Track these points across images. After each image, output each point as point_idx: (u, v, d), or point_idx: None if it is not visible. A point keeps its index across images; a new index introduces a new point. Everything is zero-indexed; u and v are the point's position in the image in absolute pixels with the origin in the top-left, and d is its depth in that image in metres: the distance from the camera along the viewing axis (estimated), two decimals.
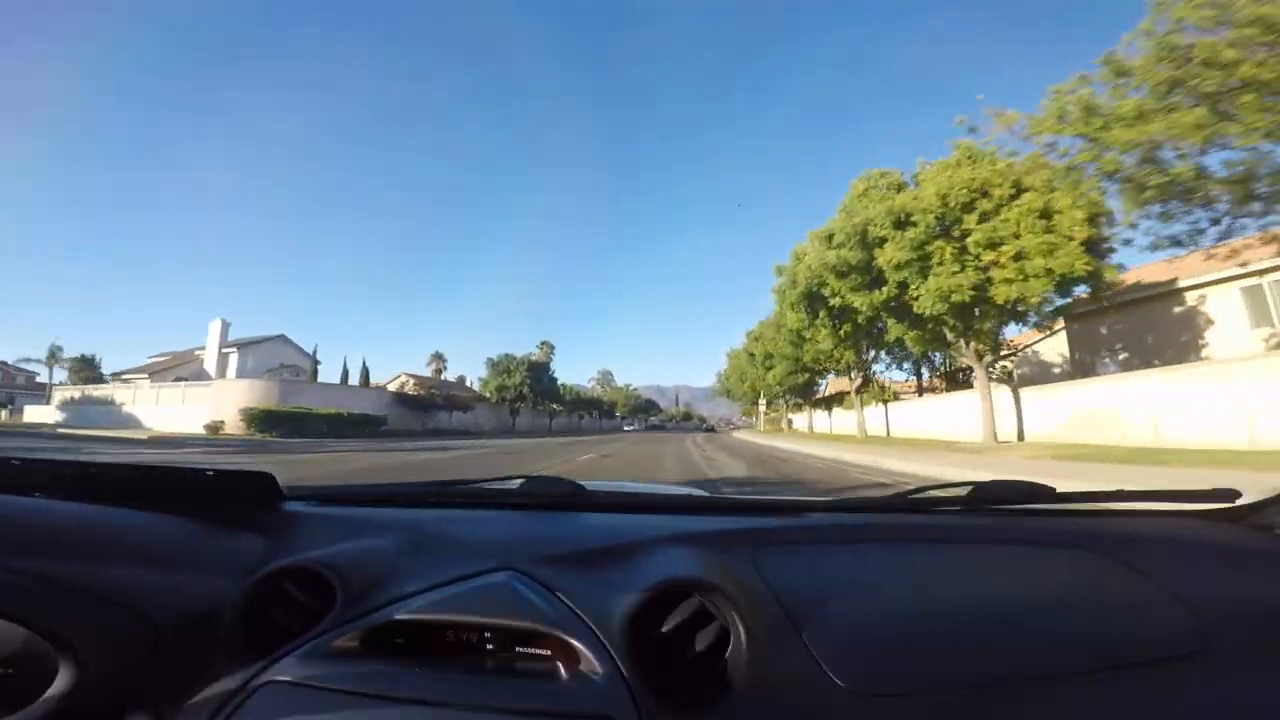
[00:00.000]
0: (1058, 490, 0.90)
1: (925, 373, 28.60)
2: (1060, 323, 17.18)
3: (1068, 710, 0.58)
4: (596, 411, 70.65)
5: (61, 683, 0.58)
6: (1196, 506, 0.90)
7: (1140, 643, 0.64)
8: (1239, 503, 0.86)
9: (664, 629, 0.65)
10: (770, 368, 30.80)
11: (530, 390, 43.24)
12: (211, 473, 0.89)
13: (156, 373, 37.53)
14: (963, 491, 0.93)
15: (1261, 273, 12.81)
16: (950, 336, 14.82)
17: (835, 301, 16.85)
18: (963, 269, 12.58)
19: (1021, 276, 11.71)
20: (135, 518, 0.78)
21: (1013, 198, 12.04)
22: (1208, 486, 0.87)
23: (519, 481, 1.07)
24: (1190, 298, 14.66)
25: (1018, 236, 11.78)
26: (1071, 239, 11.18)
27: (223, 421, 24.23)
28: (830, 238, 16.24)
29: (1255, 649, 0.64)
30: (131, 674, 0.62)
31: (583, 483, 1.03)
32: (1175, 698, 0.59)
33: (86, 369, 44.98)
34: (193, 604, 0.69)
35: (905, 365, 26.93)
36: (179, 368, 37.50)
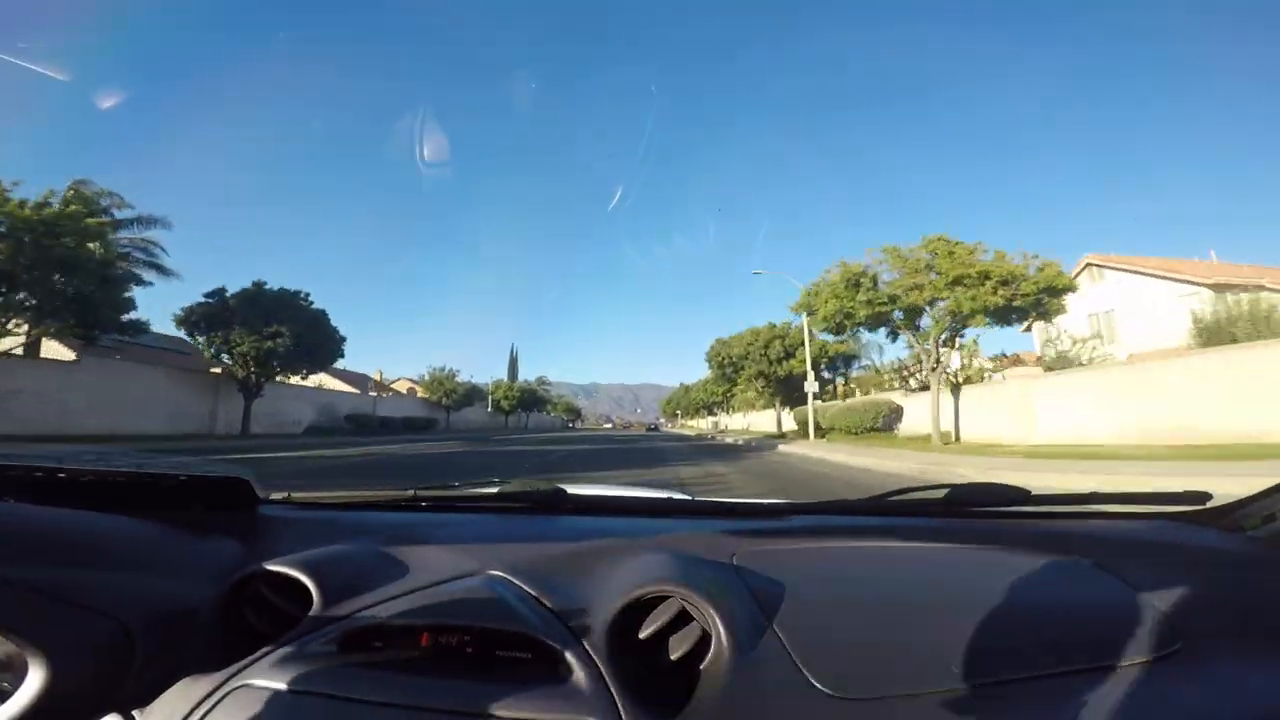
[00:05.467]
0: (1033, 493, 0.91)
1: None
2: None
3: (1046, 712, 0.58)
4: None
5: (31, 686, 0.57)
6: (1169, 509, 0.91)
7: (1115, 644, 0.64)
8: (1210, 504, 0.87)
9: (645, 633, 0.65)
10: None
11: None
12: (185, 476, 0.88)
13: None
14: (940, 494, 0.93)
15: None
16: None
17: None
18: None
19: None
20: (108, 521, 0.77)
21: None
22: (1179, 489, 0.88)
23: (498, 485, 1.05)
24: None
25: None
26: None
27: None
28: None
29: (1227, 649, 0.64)
30: (103, 677, 0.62)
31: (563, 486, 1.02)
32: (1151, 699, 0.59)
33: None
34: (166, 608, 0.68)
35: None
36: None
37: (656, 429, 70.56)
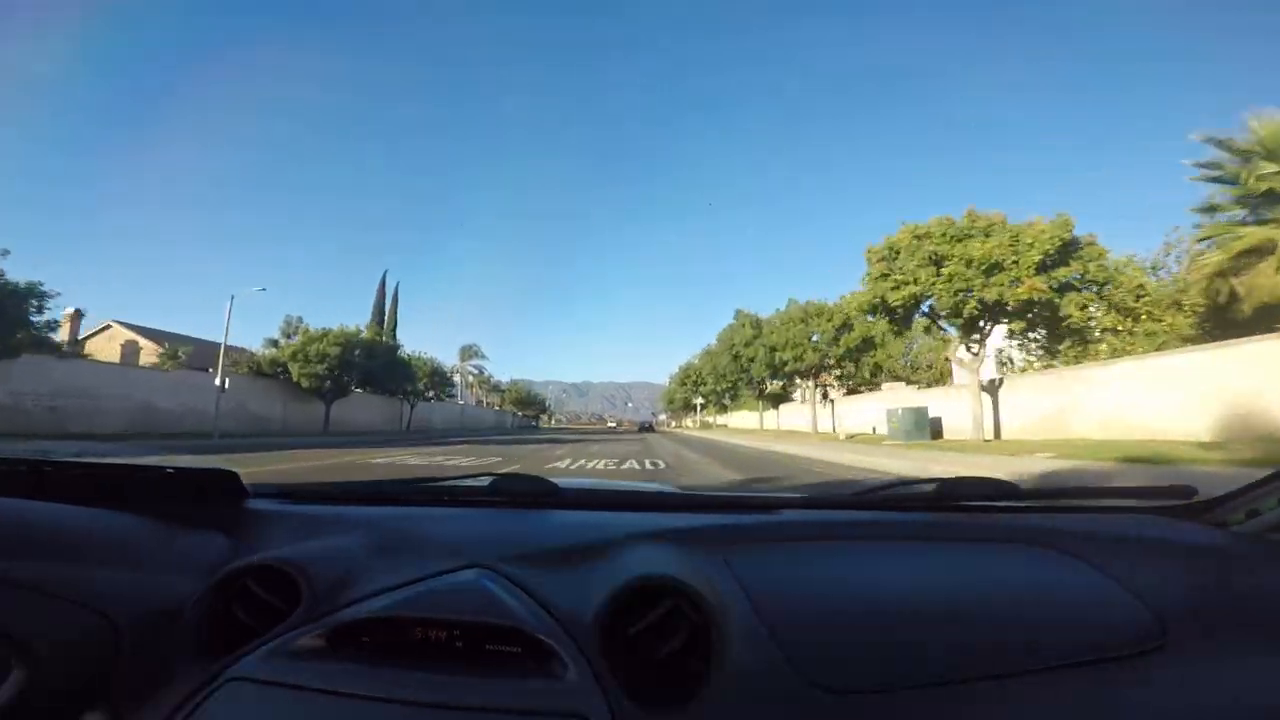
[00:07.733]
0: (1022, 487, 0.91)
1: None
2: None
3: (1035, 705, 0.59)
4: None
5: (14, 683, 0.57)
6: (1155, 503, 0.91)
7: (1103, 638, 0.64)
8: (1195, 499, 0.87)
9: (637, 627, 0.64)
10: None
11: None
12: (172, 470, 0.88)
13: None
14: (929, 489, 0.93)
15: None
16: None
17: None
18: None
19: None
20: (93, 516, 0.77)
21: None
22: (1164, 484, 0.88)
23: (490, 479, 1.04)
24: None
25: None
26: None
27: None
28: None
29: (1212, 642, 0.64)
30: (89, 673, 0.61)
31: (555, 480, 1.02)
32: (1137, 691, 0.59)
33: None
34: (154, 603, 0.68)
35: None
36: None
37: (650, 428, 53.84)
